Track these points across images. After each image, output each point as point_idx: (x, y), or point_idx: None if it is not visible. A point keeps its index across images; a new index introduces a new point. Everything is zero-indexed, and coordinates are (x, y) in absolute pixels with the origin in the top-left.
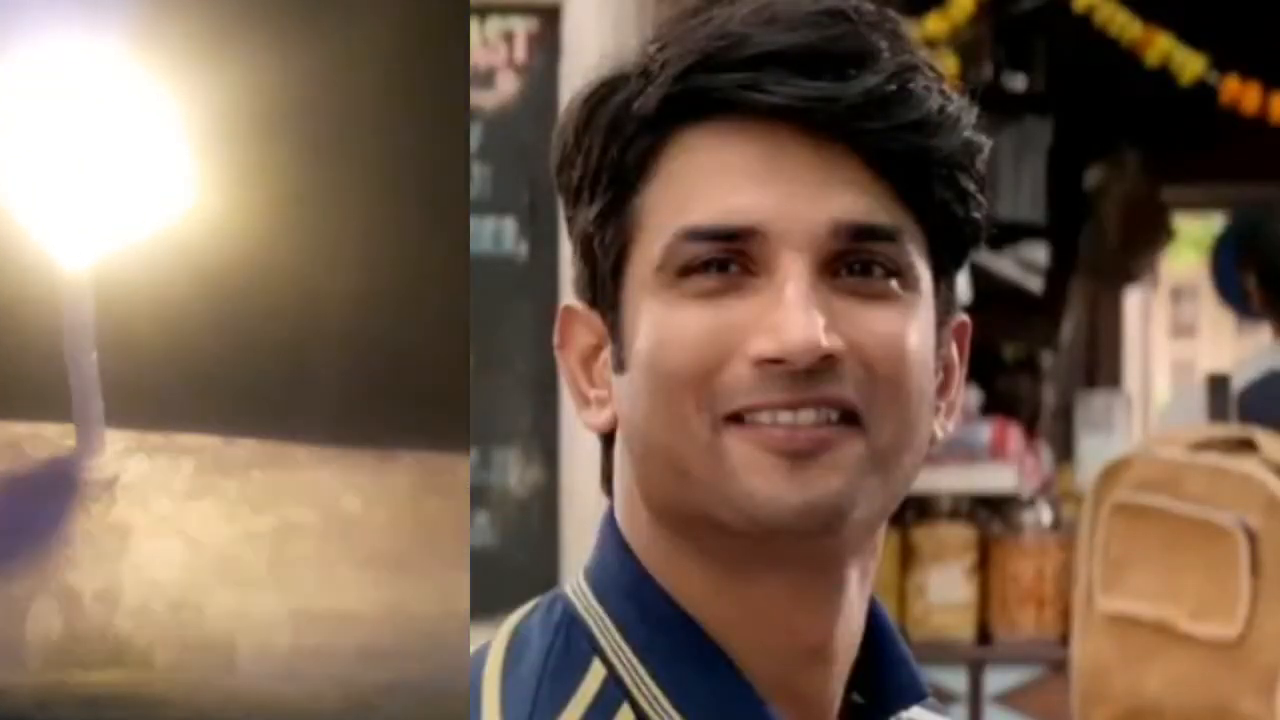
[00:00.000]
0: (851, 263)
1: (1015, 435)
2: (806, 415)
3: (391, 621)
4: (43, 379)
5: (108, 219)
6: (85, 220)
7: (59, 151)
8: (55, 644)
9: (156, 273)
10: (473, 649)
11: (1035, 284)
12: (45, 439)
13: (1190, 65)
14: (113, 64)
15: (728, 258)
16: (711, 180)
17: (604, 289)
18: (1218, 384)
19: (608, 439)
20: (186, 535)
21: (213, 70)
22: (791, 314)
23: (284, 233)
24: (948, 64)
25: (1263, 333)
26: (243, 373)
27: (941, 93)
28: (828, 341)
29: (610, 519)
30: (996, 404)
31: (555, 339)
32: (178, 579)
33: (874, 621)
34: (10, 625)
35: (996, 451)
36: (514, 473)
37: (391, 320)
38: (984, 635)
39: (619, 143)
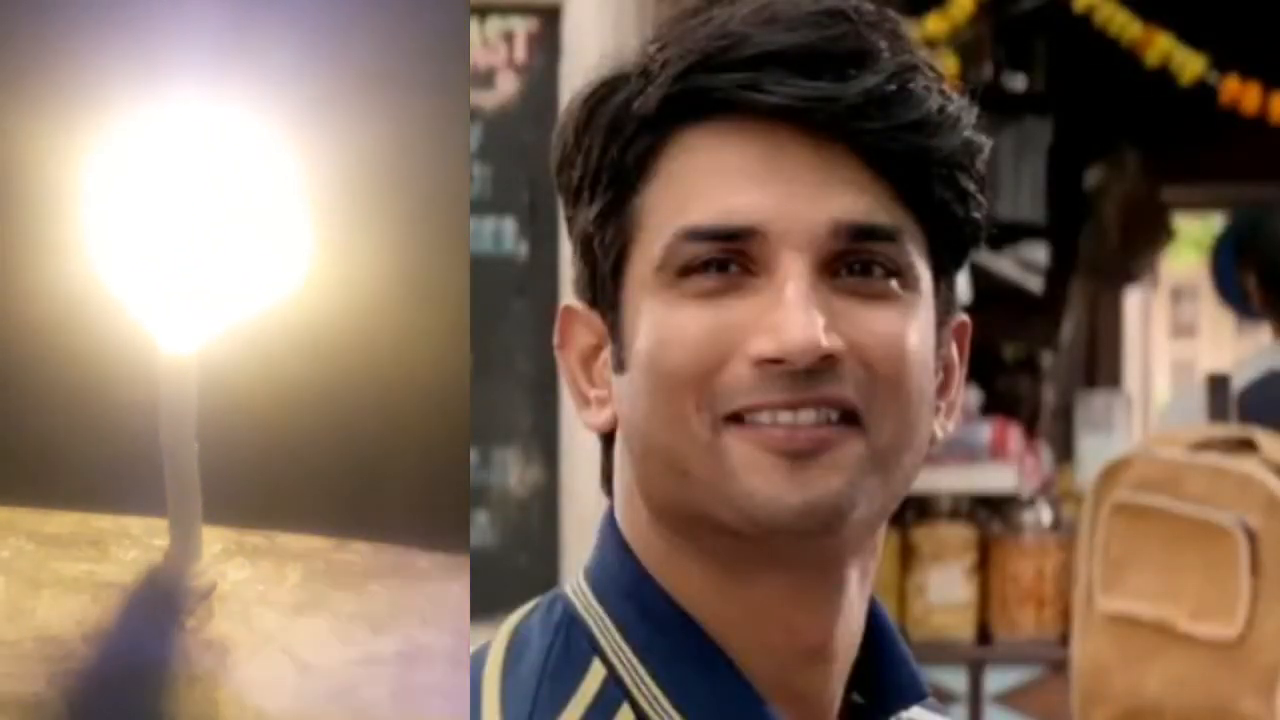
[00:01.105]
0: (851, 263)
1: (1015, 435)
2: (806, 415)
3: None
4: (135, 470)
5: (217, 296)
6: (193, 298)
7: (169, 223)
8: None
9: (264, 352)
10: (473, 649)
11: (1035, 284)
12: (133, 537)
13: (1190, 65)
14: (228, 130)
15: (728, 258)
16: (711, 180)
17: (604, 289)
18: (1218, 384)
19: (608, 439)
20: (296, 658)
21: (331, 134)
22: (791, 314)
23: (393, 310)
24: (948, 64)
25: (1263, 333)
26: (358, 466)
27: (941, 93)
28: (828, 341)
29: (610, 519)
30: (996, 404)
31: (555, 339)
32: (288, 709)
33: (874, 621)
34: None
35: (996, 451)
36: (514, 473)
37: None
38: (984, 635)
39: (619, 143)
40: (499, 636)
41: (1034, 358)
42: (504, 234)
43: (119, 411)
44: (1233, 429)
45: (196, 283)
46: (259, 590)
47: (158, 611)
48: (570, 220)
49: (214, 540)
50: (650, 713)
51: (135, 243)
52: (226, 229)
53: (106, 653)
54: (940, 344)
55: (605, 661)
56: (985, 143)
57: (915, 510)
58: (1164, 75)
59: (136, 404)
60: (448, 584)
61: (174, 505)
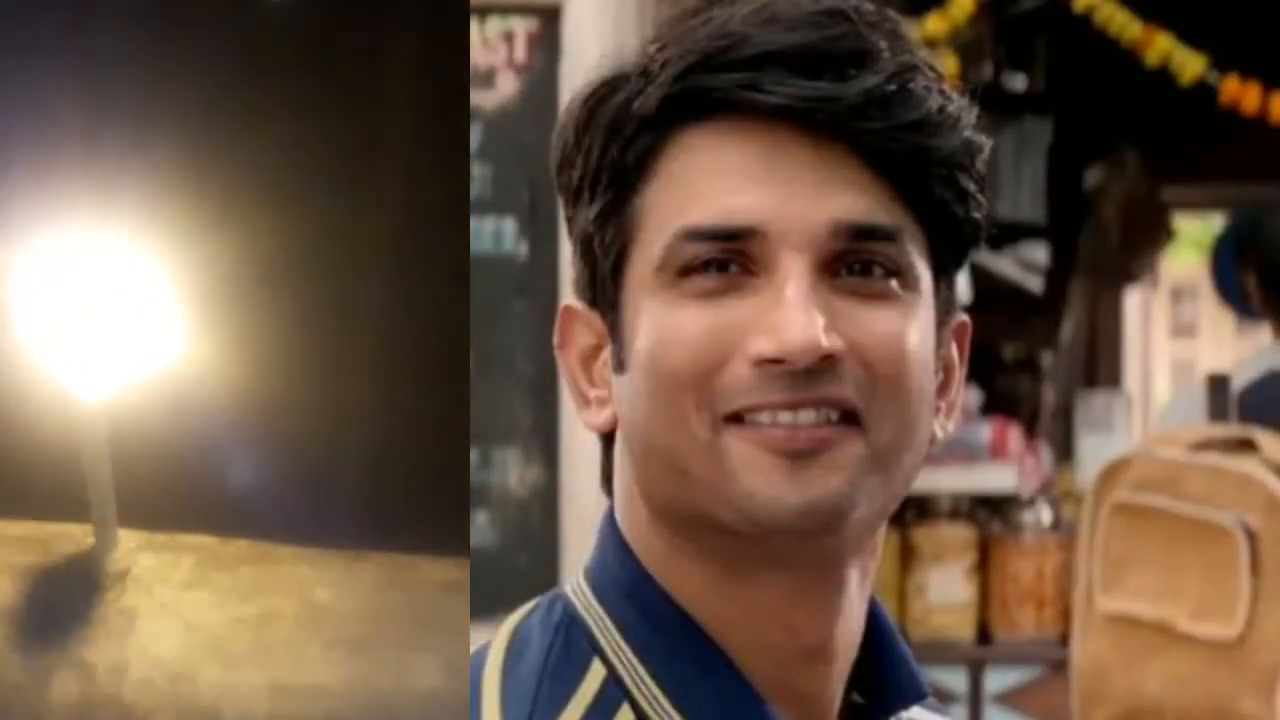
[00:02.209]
0: (851, 263)
1: (1015, 435)
2: (806, 415)
3: (354, 695)
4: (70, 488)
5: (115, 363)
6: (96, 363)
7: (76, 308)
8: (73, 708)
9: (162, 402)
10: (473, 649)
11: (1035, 284)
12: (72, 537)
13: (1190, 65)
14: (119, 239)
15: (728, 258)
16: (711, 180)
17: (604, 289)
18: (1218, 384)
19: (608, 439)
20: (184, 619)
21: (207, 236)
22: (791, 314)
23: (260, 373)
24: (948, 64)
25: (1263, 333)
26: (236, 482)
27: (941, 93)
28: (827, 341)
29: (610, 519)
30: (996, 404)
31: (555, 339)
32: (176, 656)
33: (874, 621)
34: (37, 693)
35: (996, 451)
36: (514, 473)
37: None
38: (984, 635)
39: (619, 143)
40: (499, 636)
41: (1034, 358)
42: (504, 234)
43: (49, 447)
44: (1233, 429)
45: (101, 353)
46: (160, 573)
47: (85, 586)
48: (570, 220)
49: (130, 539)
50: (650, 713)
51: (57, 326)
52: (119, 311)
53: (47, 616)
54: (940, 344)
55: (605, 661)
56: (985, 143)
57: (915, 510)
58: (1164, 75)
59: (63, 441)
60: (296, 566)
61: (96, 512)
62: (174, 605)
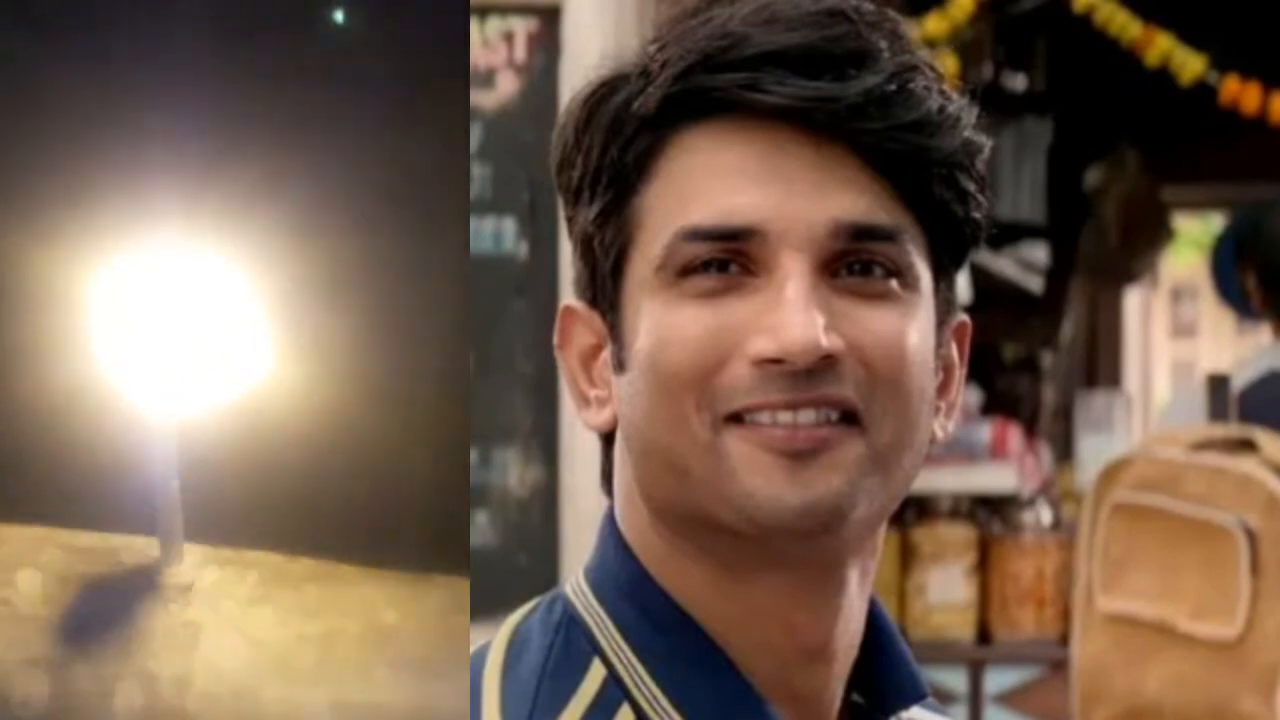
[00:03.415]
0: (851, 263)
1: (1015, 435)
2: (806, 415)
3: (418, 717)
4: (137, 502)
5: (191, 380)
6: (171, 381)
7: (155, 328)
8: (137, 717)
9: (236, 421)
10: (473, 649)
11: (1035, 284)
12: (137, 549)
13: (1190, 65)
14: (201, 256)
15: (727, 258)
16: (711, 180)
17: (604, 289)
18: (1218, 384)
19: (608, 439)
20: (248, 635)
21: (293, 251)
22: (791, 314)
23: (335, 391)
24: (948, 64)
25: (1263, 333)
26: (302, 500)
27: (941, 93)
28: (827, 341)
29: (610, 519)
30: (996, 404)
31: (555, 339)
32: (239, 671)
33: (874, 621)
34: (101, 700)
35: (996, 451)
36: (514, 473)
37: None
38: (984, 635)
39: (619, 143)
40: (499, 636)
41: (1034, 358)
42: (504, 234)
43: (121, 462)
44: (1233, 429)
45: (175, 371)
46: (225, 588)
47: (150, 598)
48: (570, 220)
49: (194, 553)
50: (650, 713)
51: (127, 341)
52: (198, 332)
53: (112, 626)
54: (940, 344)
55: (605, 661)
56: (985, 143)
57: (915, 510)
58: (1164, 75)
59: (133, 456)
60: (361, 586)
61: (161, 526)
62: (238, 620)
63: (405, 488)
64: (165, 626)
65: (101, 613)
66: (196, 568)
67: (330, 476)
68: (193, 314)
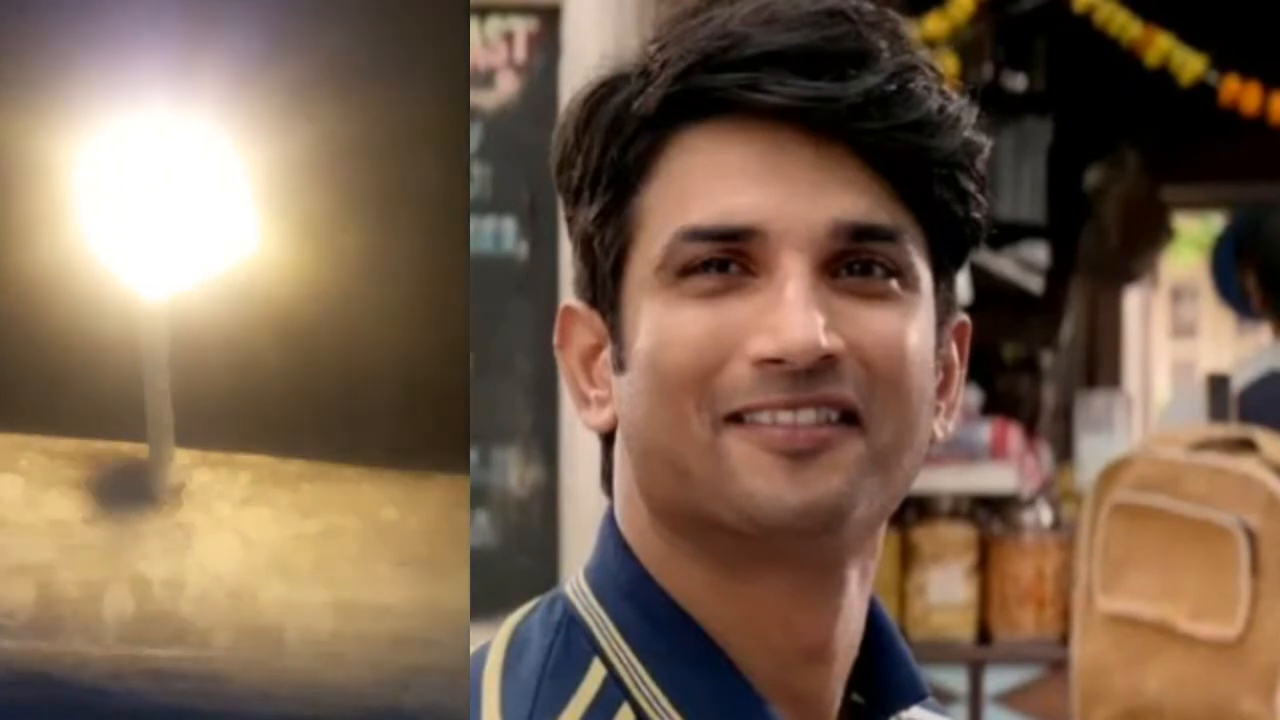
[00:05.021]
0: (851, 263)
1: (1015, 435)
2: (806, 415)
3: (422, 614)
4: (122, 401)
5: (183, 259)
6: (162, 259)
7: (142, 201)
8: (128, 623)
9: (225, 307)
10: (473, 649)
11: (1035, 284)
12: (123, 454)
13: (1190, 65)
14: (193, 128)
15: (727, 258)
16: (711, 180)
17: (604, 289)
18: (1218, 384)
19: (608, 439)
20: (243, 535)
21: (285, 127)
22: (791, 314)
23: (335, 278)
24: (948, 64)
25: (1263, 333)
26: (297, 400)
27: (941, 93)
28: (827, 341)
29: (610, 519)
30: (996, 404)
31: (555, 339)
32: (235, 573)
33: (874, 621)
34: (90, 606)
35: (996, 451)
36: (514, 473)
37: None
38: (984, 635)
39: (619, 143)
40: (499, 636)
41: (1034, 358)
42: (504, 234)
43: (112, 353)
44: (1233, 429)
45: (168, 248)
46: (218, 489)
47: (139, 500)
48: (570, 220)
49: (185, 456)
50: (650, 713)
51: (114, 217)
52: (185, 207)
53: (99, 530)
54: (940, 344)
55: (605, 661)
56: (985, 143)
57: (915, 510)
58: (1164, 75)
59: (124, 347)
60: (359, 484)
61: (151, 425)
62: (232, 521)
63: (400, 378)
64: (155, 528)
65: (89, 518)
66: (185, 469)
67: (321, 369)
68: (181, 188)
